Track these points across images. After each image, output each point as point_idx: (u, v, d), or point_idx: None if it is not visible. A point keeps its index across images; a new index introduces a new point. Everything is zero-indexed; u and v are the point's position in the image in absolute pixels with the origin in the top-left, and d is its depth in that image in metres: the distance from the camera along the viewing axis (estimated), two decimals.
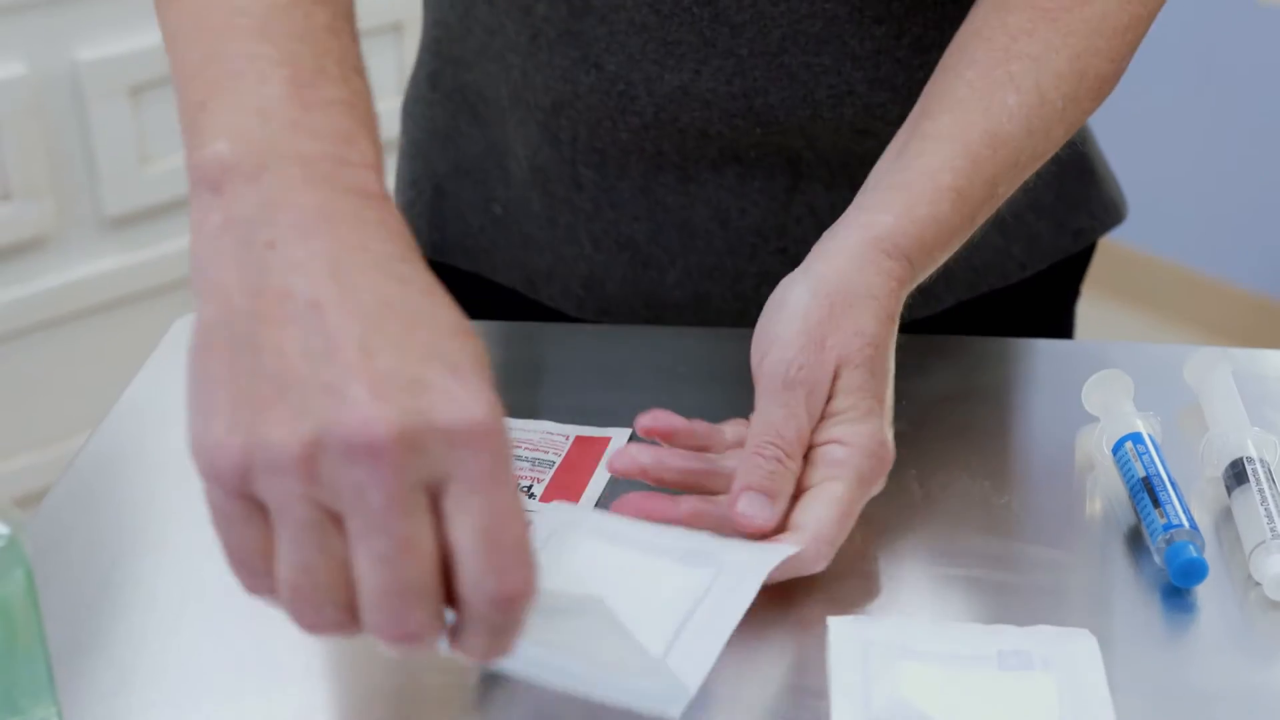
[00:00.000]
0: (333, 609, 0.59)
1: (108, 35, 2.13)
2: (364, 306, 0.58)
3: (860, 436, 0.81)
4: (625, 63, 0.99)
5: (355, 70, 0.67)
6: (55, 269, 2.18)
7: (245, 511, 0.59)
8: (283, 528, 0.58)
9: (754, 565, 0.76)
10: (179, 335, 1.05)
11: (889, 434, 0.82)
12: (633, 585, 0.74)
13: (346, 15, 0.70)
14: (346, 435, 0.56)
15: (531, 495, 0.87)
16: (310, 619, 0.60)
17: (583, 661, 0.67)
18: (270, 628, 0.78)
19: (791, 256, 1.04)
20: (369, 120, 0.66)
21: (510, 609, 0.59)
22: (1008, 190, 0.90)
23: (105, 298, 2.22)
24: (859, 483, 0.80)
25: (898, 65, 0.99)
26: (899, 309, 0.85)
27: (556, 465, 0.89)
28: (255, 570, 0.60)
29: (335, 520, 0.58)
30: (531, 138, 1.05)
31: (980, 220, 0.89)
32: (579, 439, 0.91)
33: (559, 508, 0.80)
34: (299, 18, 0.67)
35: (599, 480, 0.88)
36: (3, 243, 2.12)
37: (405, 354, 0.58)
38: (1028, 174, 0.91)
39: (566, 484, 0.87)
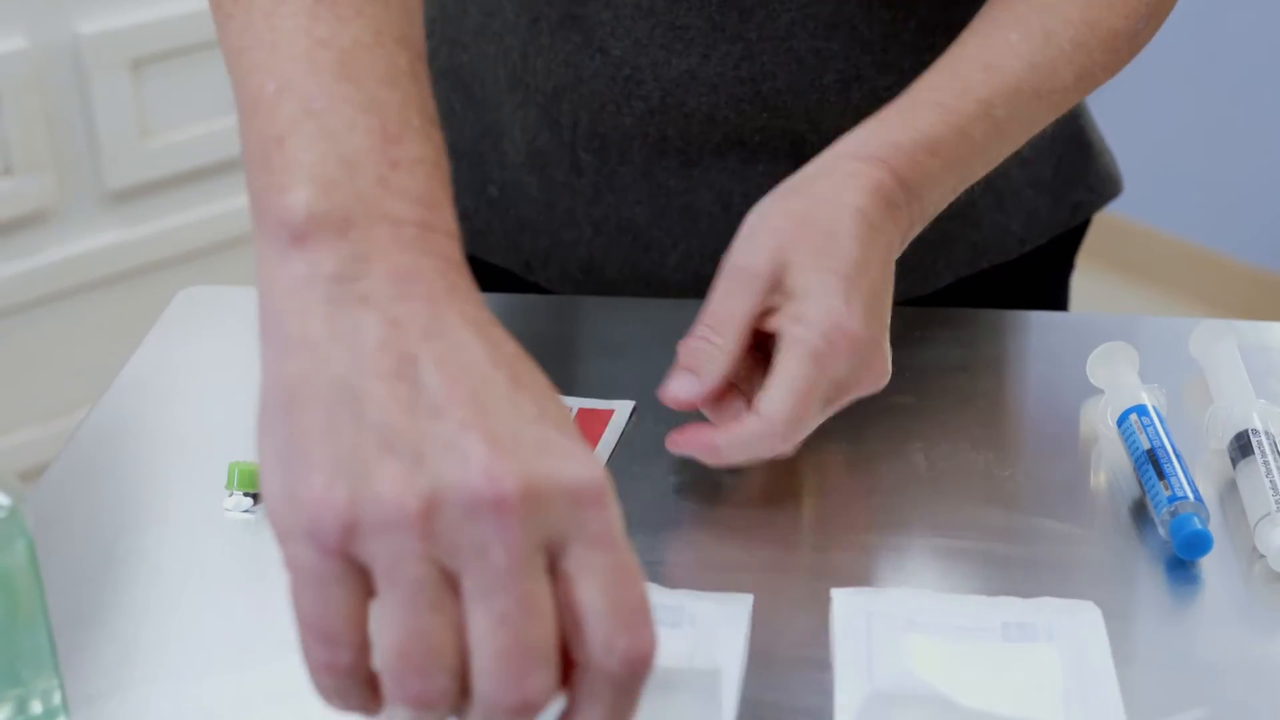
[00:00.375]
0: (443, 676, 0.54)
1: (108, 8, 2.12)
2: (468, 366, 0.57)
3: (813, 312, 0.81)
4: (631, 48, 0.98)
5: (433, 122, 0.65)
6: (56, 243, 2.18)
7: (341, 572, 0.55)
8: (392, 588, 0.54)
9: (727, 615, 0.75)
10: (181, 308, 1.04)
11: (854, 315, 0.81)
12: None
13: (422, 57, 0.67)
14: (470, 491, 0.54)
15: None
16: (417, 689, 0.54)
17: None
18: (272, 601, 0.78)
19: None
20: (448, 181, 0.63)
21: (640, 669, 0.56)
22: (1012, 116, 0.89)
23: (106, 272, 2.22)
24: (812, 359, 0.80)
25: (905, 49, 0.99)
26: (878, 203, 0.85)
27: None
28: (339, 640, 0.56)
29: (449, 581, 0.55)
30: (530, 121, 1.04)
31: (981, 137, 0.88)
32: (582, 411, 0.91)
33: None
34: (383, 59, 0.64)
35: (602, 452, 0.88)
36: (4, 217, 2.11)
37: (518, 413, 0.56)
38: (1036, 108, 0.90)
39: None
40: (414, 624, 0.54)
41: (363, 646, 0.56)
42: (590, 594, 0.55)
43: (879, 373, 0.83)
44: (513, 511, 0.54)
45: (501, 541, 0.54)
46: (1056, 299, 1.18)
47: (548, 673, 0.55)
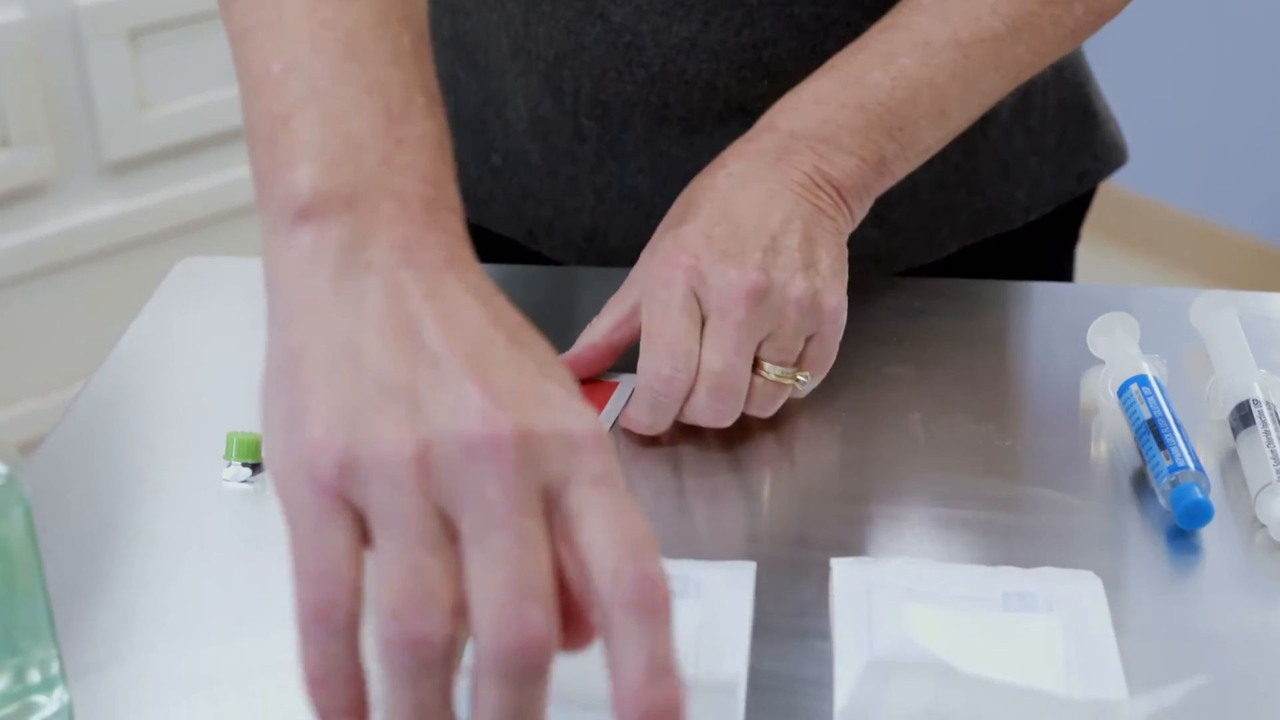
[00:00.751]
0: (441, 616, 0.54)
1: None
2: (468, 325, 0.58)
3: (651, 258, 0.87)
4: (632, 14, 0.98)
5: (436, 100, 0.65)
6: (54, 215, 2.17)
7: (337, 512, 0.55)
8: (389, 531, 0.54)
9: (731, 582, 0.75)
10: (180, 278, 1.04)
11: (682, 247, 0.85)
12: None
13: (424, 36, 0.68)
14: (467, 433, 0.54)
15: None
16: (417, 625, 0.54)
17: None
18: (271, 571, 0.78)
19: None
20: (450, 158, 0.64)
21: (653, 595, 0.55)
22: (927, 64, 0.90)
23: (104, 244, 2.21)
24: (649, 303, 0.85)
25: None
26: (751, 155, 0.89)
27: None
28: (333, 578, 0.56)
29: (447, 529, 0.55)
30: (533, 89, 1.04)
31: (887, 85, 0.90)
32: (585, 384, 0.91)
33: None
34: (387, 40, 0.65)
35: (606, 422, 0.88)
36: (2, 189, 2.11)
37: (518, 369, 0.57)
38: (957, 57, 0.91)
39: None
40: (412, 562, 0.54)
41: (357, 591, 0.55)
42: (593, 529, 0.55)
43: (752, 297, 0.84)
44: (508, 452, 0.54)
45: (498, 481, 0.54)
46: (1061, 270, 1.18)
47: (546, 611, 0.54)
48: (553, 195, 1.07)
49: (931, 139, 0.92)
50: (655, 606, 0.55)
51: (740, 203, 0.86)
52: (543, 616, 0.54)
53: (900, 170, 0.91)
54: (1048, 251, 1.14)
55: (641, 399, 0.84)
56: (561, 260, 1.09)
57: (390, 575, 0.54)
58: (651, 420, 0.85)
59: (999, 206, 1.08)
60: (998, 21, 0.90)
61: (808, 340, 0.86)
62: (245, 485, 0.84)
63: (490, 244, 1.11)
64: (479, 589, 0.54)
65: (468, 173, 1.11)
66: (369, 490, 0.55)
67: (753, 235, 0.84)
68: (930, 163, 1.03)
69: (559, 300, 1.03)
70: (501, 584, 0.54)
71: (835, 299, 0.86)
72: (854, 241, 1.05)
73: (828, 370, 0.87)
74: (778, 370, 0.85)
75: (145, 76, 2.17)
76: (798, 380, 0.86)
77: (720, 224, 0.85)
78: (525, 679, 0.54)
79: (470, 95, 1.09)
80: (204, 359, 0.96)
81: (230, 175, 2.28)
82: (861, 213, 0.91)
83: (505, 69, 1.05)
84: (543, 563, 0.54)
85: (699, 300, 0.84)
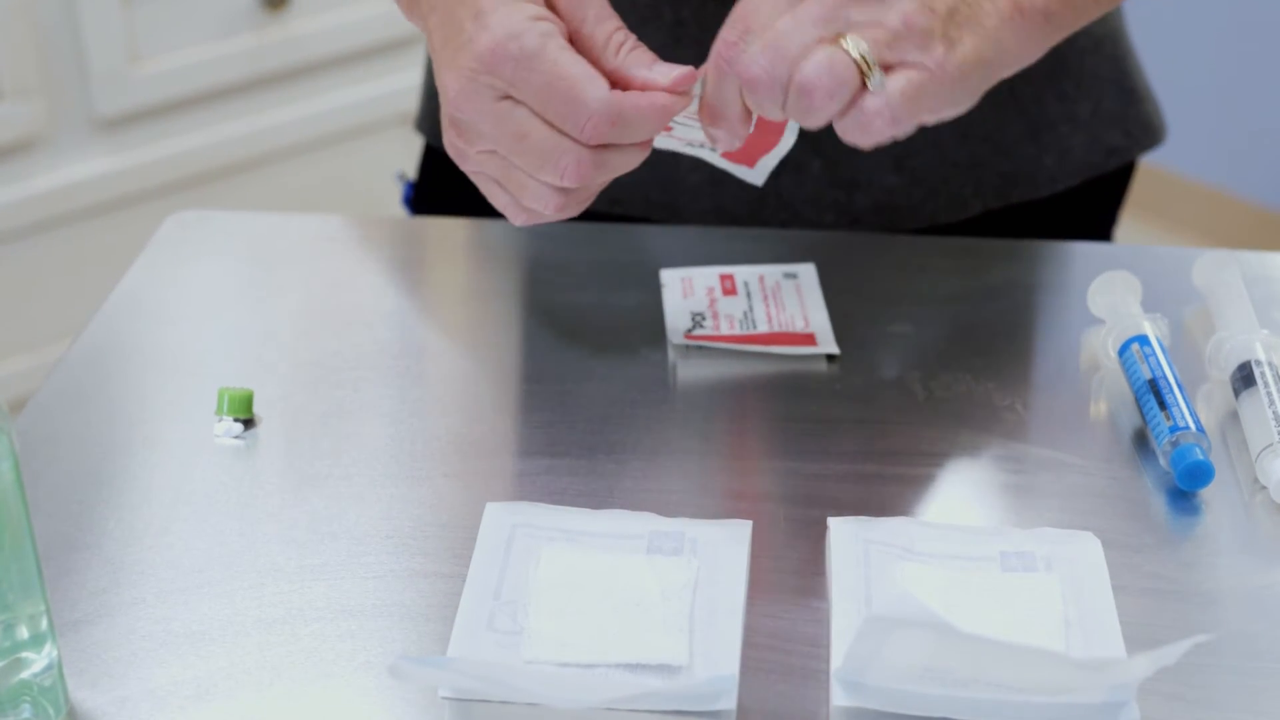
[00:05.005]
0: None
1: None
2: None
3: None
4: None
5: None
6: (46, 170, 2.16)
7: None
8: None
9: (727, 539, 0.75)
10: (172, 231, 1.03)
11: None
12: (623, 593, 0.72)
13: None
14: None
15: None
16: None
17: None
18: (262, 525, 0.78)
19: (813, 143, 1.02)
20: None
21: None
22: None
23: (96, 199, 2.20)
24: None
25: None
26: None
27: None
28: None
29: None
30: None
31: None
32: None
33: (510, 508, 0.78)
34: None
35: (774, 160, 0.85)
36: None
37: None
38: None
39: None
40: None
41: None
42: None
43: None
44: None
45: None
46: None
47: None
48: None
49: None
50: None
51: None
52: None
53: (1085, 10, 0.85)
54: (1080, 232, 1.12)
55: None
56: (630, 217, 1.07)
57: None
58: (716, 89, 0.79)
59: (1025, 170, 1.06)
60: None
61: (904, 66, 0.77)
62: (236, 441, 0.83)
63: None
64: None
65: None
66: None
67: None
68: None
69: (574, 253, 1.01)
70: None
71: (951, 54, 0.77)
72: (872, 188, 1.04)
73: (899, 119, 0.77)
74: (859, 47, 0.76)
75: (138, 31, 2.16)
76: (868, 68, 0.76)
77: None
78: None
79: None
80: (196, 313, 0.96)
81: (223, 132, 2.26)
82: (1031, 52, 0.83)
83: None
84: None
85: None
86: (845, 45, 0.75)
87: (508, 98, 0.78)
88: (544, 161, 0.78)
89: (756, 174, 0.84)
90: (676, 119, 0.80)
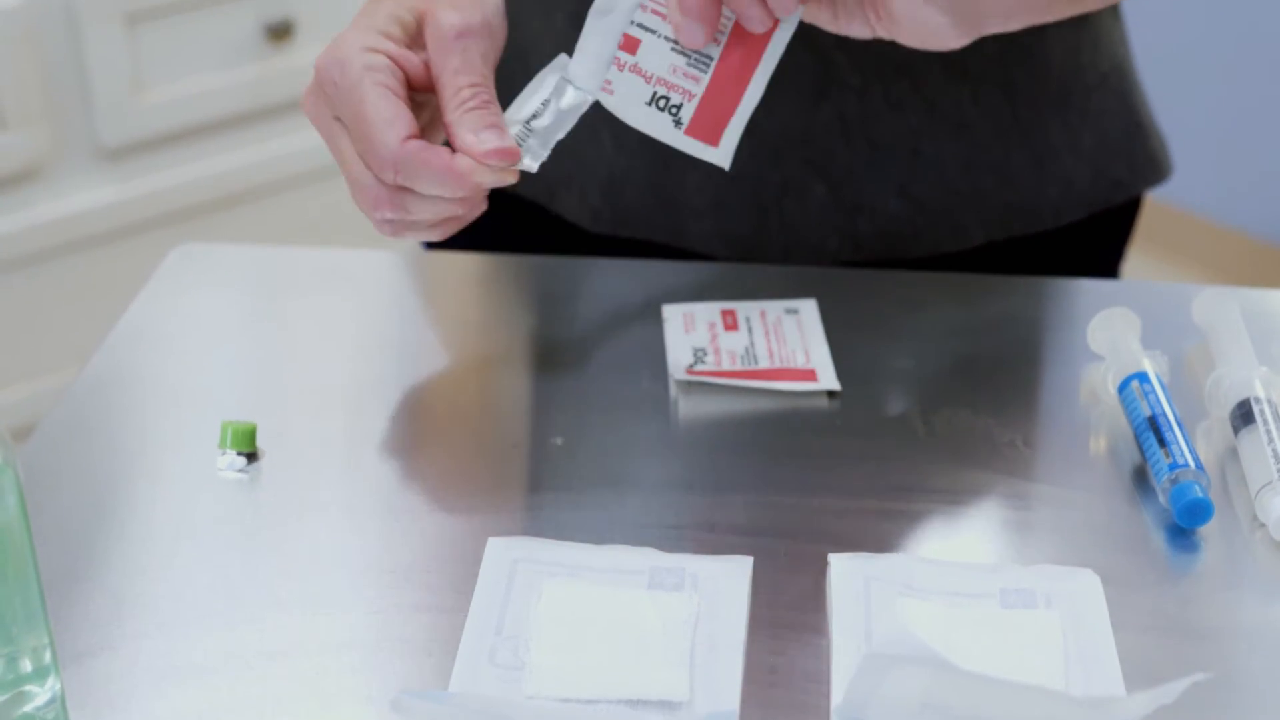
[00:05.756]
0: None
1: None
2: None
3: None
4: None
5: None
6: (49, 199, 2.16)
7: None
8: None
9: (727, 575, 0.75)
10: (176, 264, 1.03)
11: None
12: (624, 628, 0.73)
13: None
14: None
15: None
16: None
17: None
18: (264, 558, 0.78)
19: (817, 167, 1.03)
20: None
21: None
22: None
23: (100, 229, 2.20)
24: None
25: None
26: None
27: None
28: None
29: None
30: (558, 30, 1.03)
31: None
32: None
33: (512, 543, 0.78)
34: None
35: (769, 66, 0.84)
36: None
37: None
38: None
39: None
40: None
41: None
42: None
43: None
44: None
45: None
46: None
47: None
48: (573, 145, 1.06)
49: None
50: None
51: None
52: None
53: None
54: (1083, 269, 1.12)
55: None
56: (577, 220, 1.08)
57: None
58: None
59: (1028, 200, 1.07)
60: None
61: None
62: (239, 474, 0.84)
63: (512, 210, 1.11)
64: None
65: None
66: None
67: None
68: (958, 139, 1.02)
69: (578, 286, 1.02)
70: None
71: None
72: (876, 214, 1.04)
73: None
74: None
75: (141, 61, 2.16)
76: None
77: None
78: None
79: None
80: (199, 346, 0.96)
81: (227, 162, 2.27)
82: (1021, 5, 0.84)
83: (532, 14, 1.04)
84: None
85: None
86: None
87: (338, 119, 0.84)
88: (355, 188, 0.85)
89: (721, 154, 0.84)
90: (641, 20, 0.81)
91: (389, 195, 0.83)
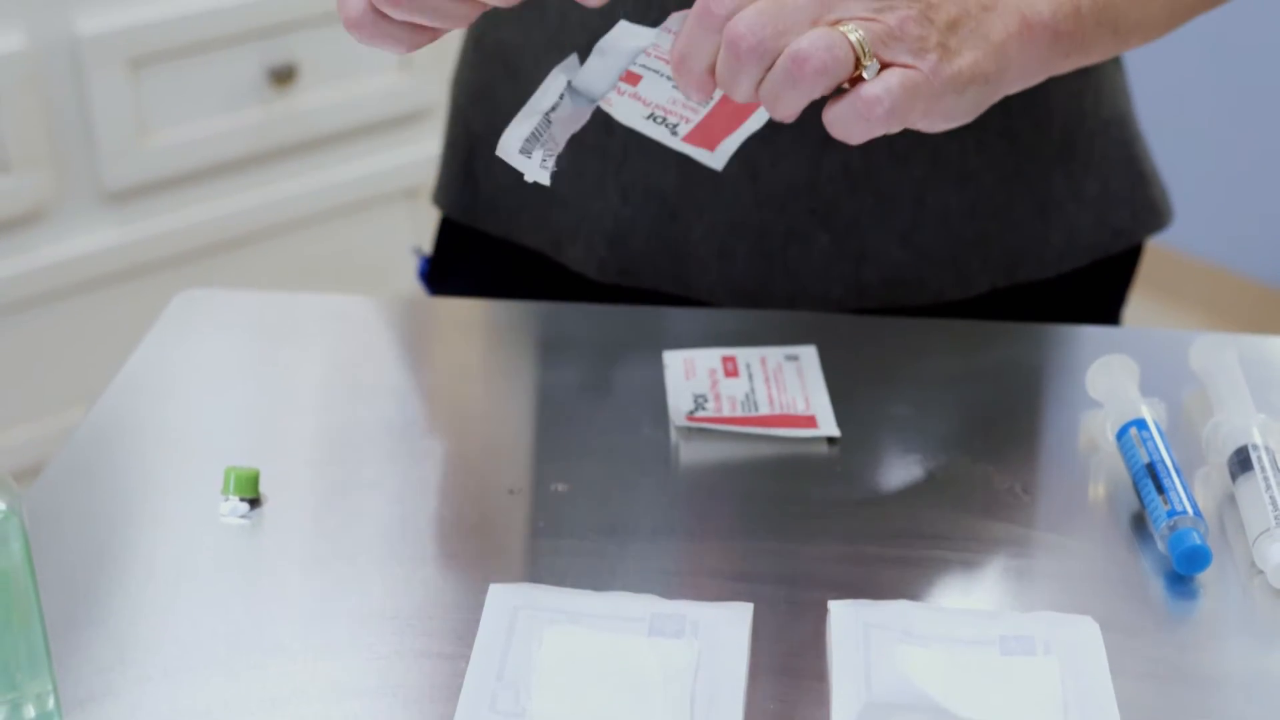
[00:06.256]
0: None
1: (107, 7, 2.12)
2: None
3: None
4: None
5: None
6: (53, 242, 2.17)
7: None
8: None
9: (728, 621, 0.76)
10: (179, 311, 1.04)
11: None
12: (625, 675, 0.73)
13: None
14: None
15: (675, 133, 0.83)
16: None
17: None
18: (267, 605, 0.78)
19: (821, 216, 1.03)
20: None
21: None
22: None
23: (103, 271, 2.21)
24: None
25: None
26: None
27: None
28: None
29: None
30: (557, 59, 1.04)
31: None
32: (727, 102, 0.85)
33: (513, 590, 0.78)
34: None
35: (740, 139, 0.84)
36: (1, 215, 2.11)
37: None
38: None
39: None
40: None
41: None
42: None
43: None
44: None
45: None
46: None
47: None
48: (578, 198, 1.07)
49: (1126, 12, 0.86)
50: None
51: None
52: None
53: (1093, 37, 0.85)
54: (1088, 313, 1.13)
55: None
56: (583, 270, 1.09)
57: None
58: (690, 36, 0.77)
59: (1032, 247, 1.07)
60: None
61: (897, 65, 0.77)
62: (242, 520, 0.84)
63: (517, 258, 1.11)
64: None
65: (498, 182, 1.11)
66: None
67: None
68: (962, 189, 1.02)
69: (580, 333, 1.02)
70: None
71: (946, 64, 0.77)
72: (880, 261, 1.05)
73: (897, 112, 0.76)
74: (857, 34, 0.75)
75: (145, 104, 2.17)
76: (865, 55, 0.75)
77: None
78: None
79: (506, 103, 1.09)
80: (203, 392, 0.96)
81: (230, 205, 2.28)
82: (1034, 70, 0.83)
83: (539, 67, 1.05)
84: None
85: None
86: (844, 29, 0.75)
87: None
88: None
89: (716, 158, 0.83)
90: (645, 63, 0.81)
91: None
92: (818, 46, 0.74)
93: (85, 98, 2.13)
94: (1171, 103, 2.99)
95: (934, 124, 0.79)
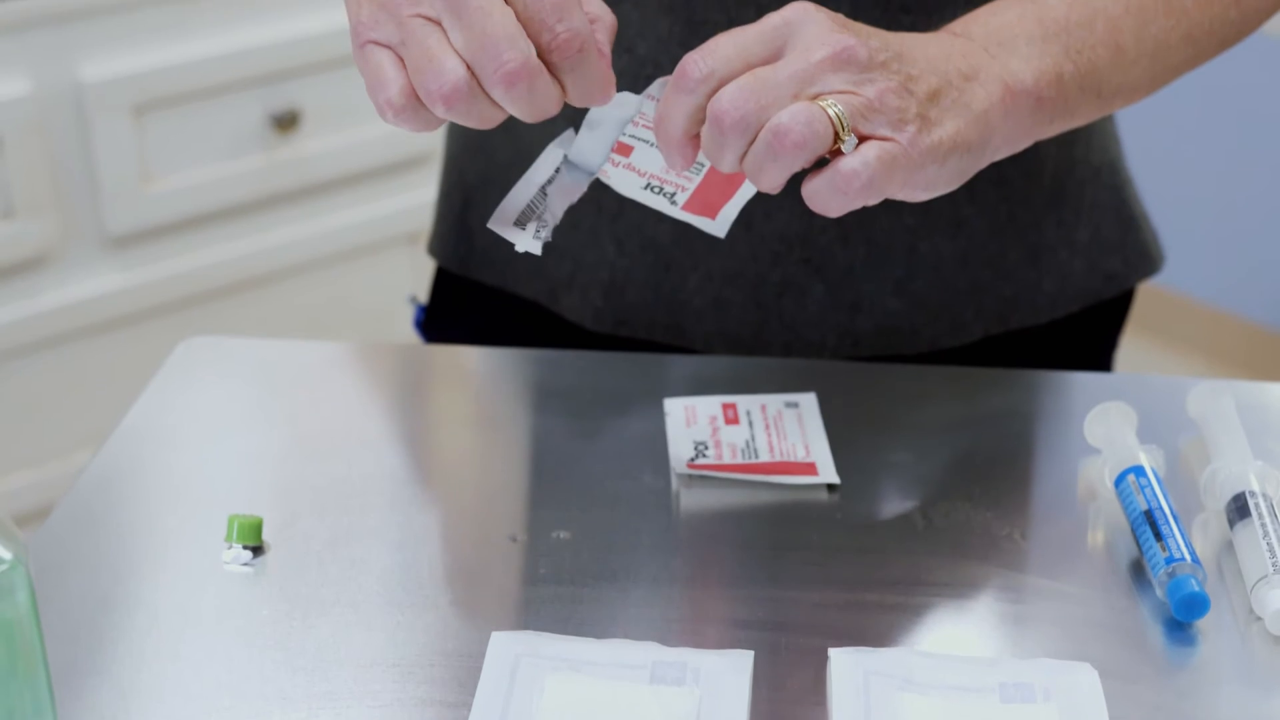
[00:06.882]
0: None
1: (112, 54, 2.13)
2: None
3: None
4: (655, 45, 0.98)
5: None
6: (56, 287, 2.18)
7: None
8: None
9: (729, 669, 0.76)
10: (182, 358, 1.05)
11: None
12: None
13: None
14: None
15: (674, 202, 0.84)
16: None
17: None
18: (270, 653, 0.79)
19: (815, 266, 1.04)
20: None
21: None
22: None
23: (106, 316, 2.22)
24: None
25: None
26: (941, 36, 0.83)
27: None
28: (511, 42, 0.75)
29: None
30: (558, 133, 1.04)
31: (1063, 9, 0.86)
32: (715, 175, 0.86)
33: (515, 637, 0.78)
34: None
35: (734, 211, 0.84)
36: (5, 260, 2.12)
37: None
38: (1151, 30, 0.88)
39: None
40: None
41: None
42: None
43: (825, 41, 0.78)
44: None
45: None
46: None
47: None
48: (574, 249, 1.08)
49: (1109, 77, 0.87)
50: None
51: (911, 41, 0.81)
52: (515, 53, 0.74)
53: (1076, 103, 0.86)
54: (1080, 357, 1.13)
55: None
56: (580, 320, 1.09)
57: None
58: (668, 105, 0.78)
59: (1025, 294, 1.08)
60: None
61: (875, 139, 0.78)
62: (245, 568, 0.84)
63: (513, 308, 1.12)
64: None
65: (493, 234, 1.11)
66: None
67: (904, 53, 0.80)
68: (955, 237, 1.03)
69: (580, 380, 1.03)
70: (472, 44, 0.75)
71: (925, 135, 0.78)
72: (874, 311, 1.05)
73: (875, 185, 0.77)
74: (836, 108, 0.76)
75: (149, 150, 2.19)
76: (843, 130, 0.76)
77: (877, 38, 0.80)
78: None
79: (501, 154, 1.10)
80: (205, 440, 0.97)
81: (233, 250, 2.29)
82: (1019, 137, 0.85)
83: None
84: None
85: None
86: (823, 104, 0.76)
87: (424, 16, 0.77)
88: (487, 43, 0.74)
89: (718, 225, 0.84)
90: (634, 133, 0.82)
91: (537, 69, 0.76)
92: (797, 121, 0.75)
93: (89, 143, 2.14)
94: (1170, 140, 3.00)
95: (916, 194, 0.80)
